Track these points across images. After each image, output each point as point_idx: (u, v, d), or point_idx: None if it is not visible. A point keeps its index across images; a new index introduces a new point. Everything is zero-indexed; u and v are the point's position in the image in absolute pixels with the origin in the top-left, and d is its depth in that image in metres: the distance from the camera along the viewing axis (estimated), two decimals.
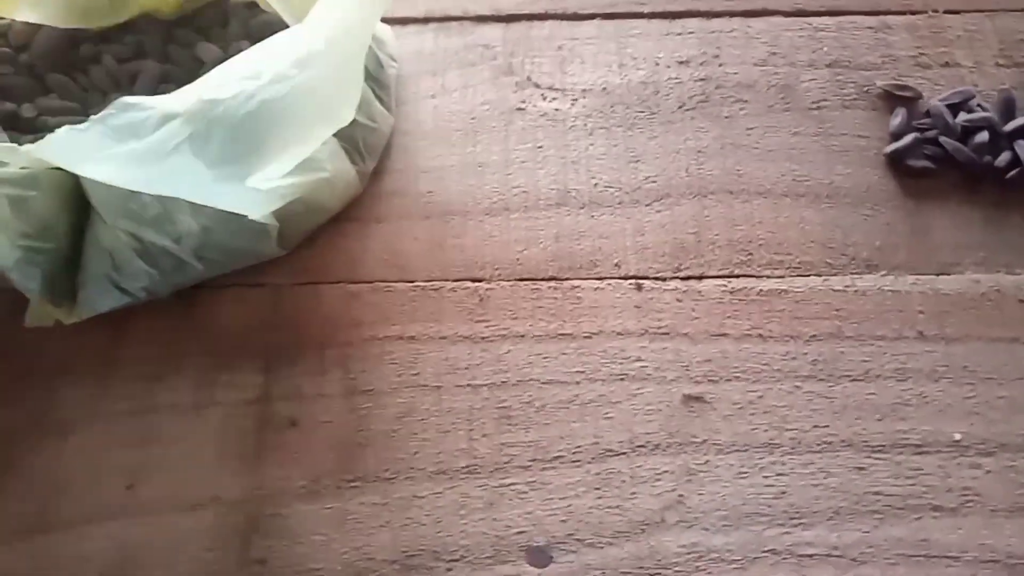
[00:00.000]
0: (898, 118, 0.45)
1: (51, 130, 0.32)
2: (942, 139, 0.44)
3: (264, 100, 0.31)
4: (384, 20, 0.48)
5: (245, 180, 0.33)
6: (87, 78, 0.44)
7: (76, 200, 0.37)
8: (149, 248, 0.38)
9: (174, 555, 0.36)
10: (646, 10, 0.49)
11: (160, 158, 0.31)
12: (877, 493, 0.37)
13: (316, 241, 0.43)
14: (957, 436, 0.38)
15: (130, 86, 0.43)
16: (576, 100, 0.47)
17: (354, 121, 0.41)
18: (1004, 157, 0.43)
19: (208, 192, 0.33)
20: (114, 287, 0.39)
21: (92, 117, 0.31)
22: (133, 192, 0.36)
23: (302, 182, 0.37)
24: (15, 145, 0.33)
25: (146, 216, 0.37)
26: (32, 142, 0.32)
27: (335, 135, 0.39)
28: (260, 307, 0.41)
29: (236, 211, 0.34)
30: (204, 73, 0.33)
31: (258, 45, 0.32)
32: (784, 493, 0.37)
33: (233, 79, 0.31)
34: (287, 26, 0.37)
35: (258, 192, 0.33)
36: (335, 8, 0.33)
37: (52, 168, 0.34)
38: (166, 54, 0.45)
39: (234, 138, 0.31)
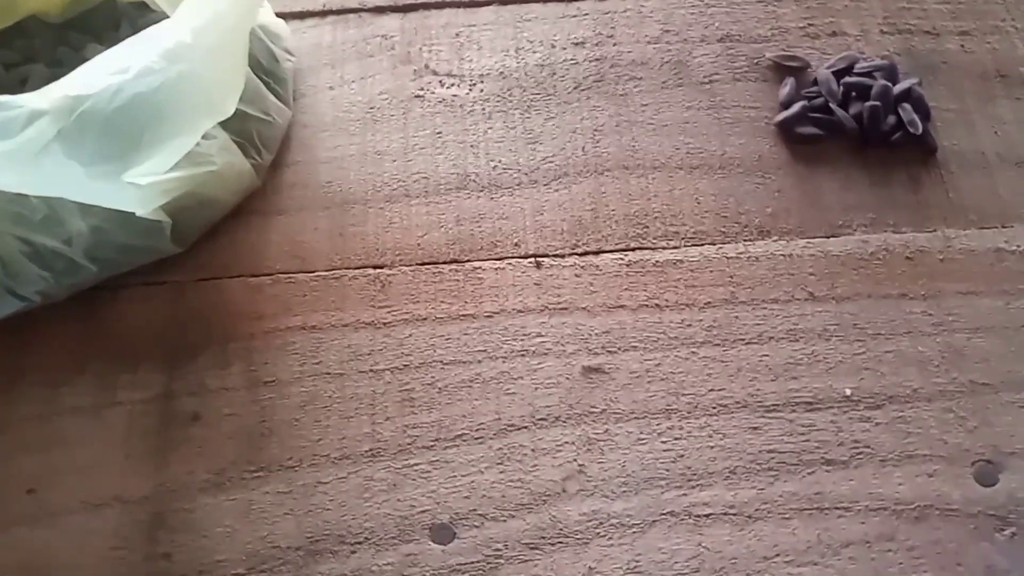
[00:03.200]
0: (787, 87, 0.46)
1: None
2: (831, 105, 0.45)
3: (134, 94, 0.31)
4: (282, 14, 0.48)
5: (122, 176, 0.33)
6: None
7: None
8: (40, 251, 0.38)
9: (80, 556, 0.36)
10: None
11: (31, 157, 0.31)
12: (771, 451, 0.38)
13: (217, 236, 0.43)
14: (848, 391, 0.39)
15: (20, 91, 0.43)
16: (474, 85, 0.47)
17: (247, 115, 0.42)
18: (889, 120, 0.45)
19: (85, 190, 0.33)
20: (8, 293, 0.39)
21: None
22: (18, 195, 0.36)
23: (188, 176, 0.37)
24: None
25: (34, 219, 0.37)
26: None
27: (226, 129, 0.39)
28: (161, 305, 0.41)
29: (117, 207, 0.34)
30: None
31: (126, 40, 0.32)
32: (681, 456, 0.38)
33: (100, 74, 0.31)
34: None
35: (138, 187, 0.33)
36: (205, 1, 0.33)
37: None
38: (57, 57, 0.44)
39: (106, 134, 0.31)
